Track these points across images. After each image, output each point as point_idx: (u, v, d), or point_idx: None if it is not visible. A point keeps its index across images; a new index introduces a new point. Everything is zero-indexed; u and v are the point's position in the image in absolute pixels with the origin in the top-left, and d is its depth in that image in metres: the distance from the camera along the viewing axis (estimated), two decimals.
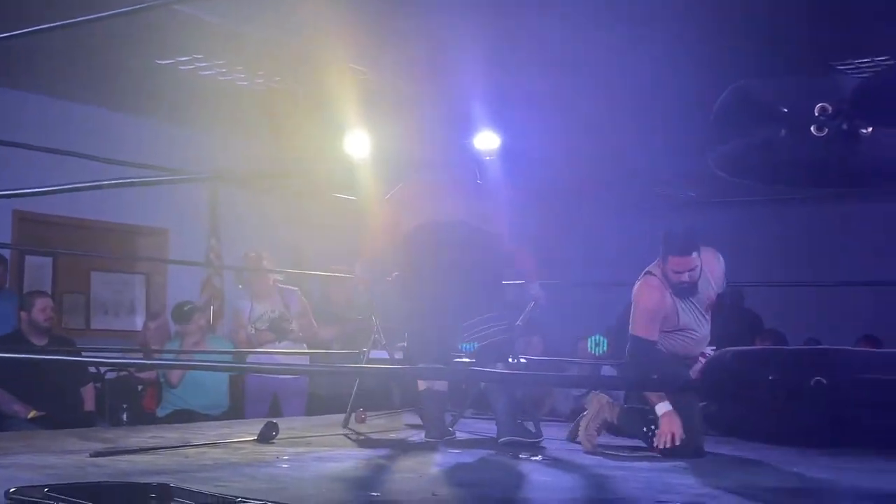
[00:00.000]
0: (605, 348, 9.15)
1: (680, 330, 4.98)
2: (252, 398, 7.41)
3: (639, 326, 5.01)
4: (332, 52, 6.78)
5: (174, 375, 6.95)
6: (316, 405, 7.57)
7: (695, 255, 4.92)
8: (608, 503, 3.41)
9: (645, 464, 4.69)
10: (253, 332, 7.25)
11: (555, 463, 4.53)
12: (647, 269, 5.10)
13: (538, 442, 5.07)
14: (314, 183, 8.75)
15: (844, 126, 1.84)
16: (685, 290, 5.00)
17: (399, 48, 6.77)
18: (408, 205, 5.35)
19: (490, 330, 5.14)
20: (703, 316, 5.06)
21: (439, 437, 5.30)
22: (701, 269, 4.98)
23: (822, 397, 1.76)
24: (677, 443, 4.65)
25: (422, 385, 5.42)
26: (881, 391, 1.77)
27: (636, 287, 5.09)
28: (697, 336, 4.98)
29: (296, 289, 7.64)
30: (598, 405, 5.12)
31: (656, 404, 4.75)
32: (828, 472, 4.37)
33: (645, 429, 4.94)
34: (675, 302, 4.99)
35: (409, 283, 5.39)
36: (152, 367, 7.07)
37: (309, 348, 7.43)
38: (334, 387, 7.34)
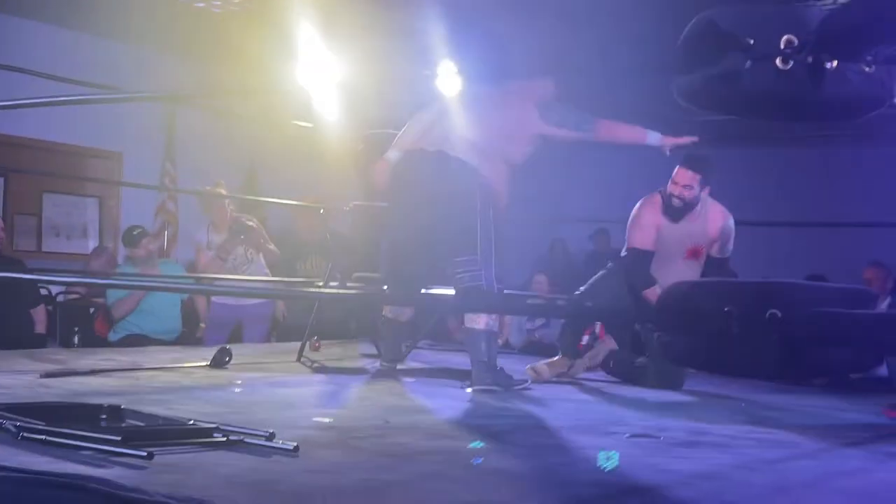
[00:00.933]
0: None
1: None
2: (215, 325, 7.36)
3: (636, 239, 5.24)
4: None
5: (119, 310, 6.84)
6: (280, 333, 7.60)
7: (694, 174, 5.12)
8: (556, 431, 3.44)
9: (596, 396, 4.76)
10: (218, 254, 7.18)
11: (505, 394, 4.56)
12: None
13: (523, 388, 4.76)
14: (272, 109, 8.64)
15: (810, 59, 1.84)
16: (673, 209, 5.16)
17: None
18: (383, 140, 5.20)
19: (463, 275, 4.73)
20: (683, 255, 5.15)
21: (393, 362, 5.37)
22: (701, 209, 5.21)
23: (776, 329, 1.77)
24: None
25: (387, 313, 5.37)
26: (834, 325, 1.79)
27: (638, 203, 5.32)
28: (670, 269, 5.07)
29: (252, 219, 7.57)
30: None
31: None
32: (777, 404, 4.47)
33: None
34: (663, 223, 5.18)
35: (387, 213, 5.24)
36: (105, 286, 6.98)
37: (269, 268, 7.38)
38: (297, 315, 7.32)
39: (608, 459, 2.61)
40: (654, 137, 4.96)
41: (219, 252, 7.13)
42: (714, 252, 5.33)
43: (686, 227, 5.22)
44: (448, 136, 4.82)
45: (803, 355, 1.90)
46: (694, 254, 5.26)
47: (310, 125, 6.81)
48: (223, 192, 7.50)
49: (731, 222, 5.31)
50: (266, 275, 7.29)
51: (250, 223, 7.28)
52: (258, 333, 7.47)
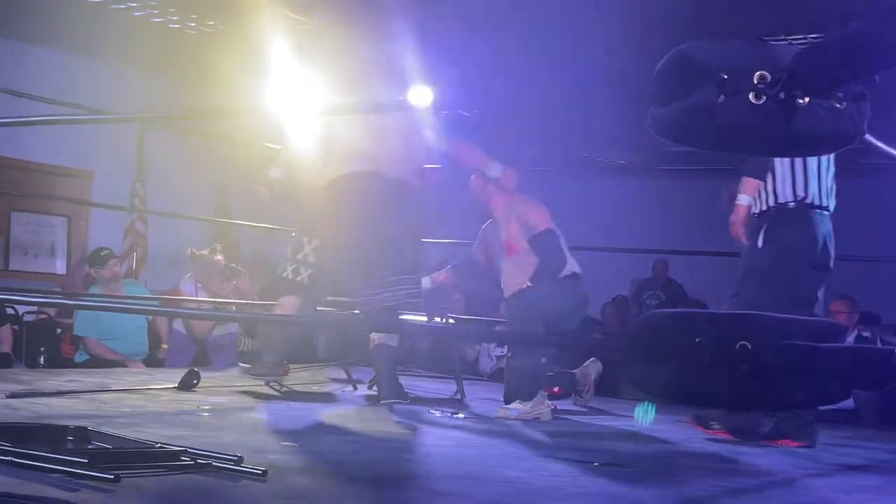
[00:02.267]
0: None
1: None
2: (176, 350, 7.32)
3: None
4: None
5: (91, 343, 6.81)
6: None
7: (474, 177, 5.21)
8: (528, 458, 3.44)
9: (566, 423, 4.76)
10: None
11: (475, 419, 4.56)
12: None
13: (407, 402, 4.95)
14: (243, 130, 8.63)
15: (782, 95, 1.86)
16: None
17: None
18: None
19: (379, 296, 4.72)
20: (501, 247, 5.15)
21: (397, 398, 4.99)
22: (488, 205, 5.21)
23: (745, 361, 1.79)
24: None
25: (378, 339, 5.07)
26: (803, 358, 1.81)
27: None
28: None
29: (245, 272, 7.58)
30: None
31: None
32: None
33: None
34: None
35: (329, 235, 5.22)
36: (73, 307, 6.94)
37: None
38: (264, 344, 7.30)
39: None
40: (495, 168, 5.06)
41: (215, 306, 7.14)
42: None
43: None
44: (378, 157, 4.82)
45: (772, 387, 1.92)
46: (503, 247, 5.13)
47: (278, 147, 6.80)
48: (219, 257, 7.40)
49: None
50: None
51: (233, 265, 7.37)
52: (223, 362, 7.36)
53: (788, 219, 4.36)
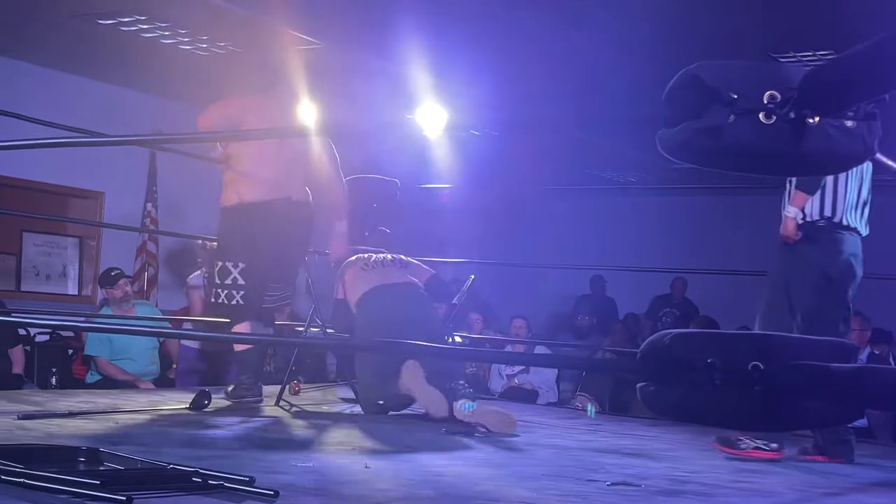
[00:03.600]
0: None
1: None
2: (186, 368, 7.31)
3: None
4: (278, 19, 6.71)
5: (102, 363, 6.79)
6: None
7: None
8: (539, 478, 3.43)
9: (576, 442, 4.75)
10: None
11: (484, 438, 4.55)
12: None
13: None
14: None
15: (792, 114, 1.86)
16: None
17: (346, 18, 6.73)
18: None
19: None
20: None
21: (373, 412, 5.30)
22: None
23: (758, 381, 1.78)
24: None
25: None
26: (815, 378, 1.80)
27: None
28: None
29: None
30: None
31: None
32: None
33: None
34: None
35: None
36: (83, 329, 6.96)
37: None
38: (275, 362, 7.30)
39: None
40: (341, 227, 5.60)
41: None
42: None
43: None
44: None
45: (785, 408, 1.91)
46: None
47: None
48: None
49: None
50: None
51: None
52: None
53: (816, 236, 4.41)
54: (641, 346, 1.96)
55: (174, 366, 7.45)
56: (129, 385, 6.66)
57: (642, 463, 4.04)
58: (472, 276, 5.82)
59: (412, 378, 4.98)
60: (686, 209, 11.64)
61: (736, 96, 1.87)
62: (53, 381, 7.38)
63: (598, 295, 11.75)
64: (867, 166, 4.49)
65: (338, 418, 5.29)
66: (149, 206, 9.23)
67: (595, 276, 11.49)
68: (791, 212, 4.48)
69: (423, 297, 5.51)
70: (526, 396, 8.06)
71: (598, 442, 4.85)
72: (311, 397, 6.18)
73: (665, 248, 10.71)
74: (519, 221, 12.14)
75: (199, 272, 7.40)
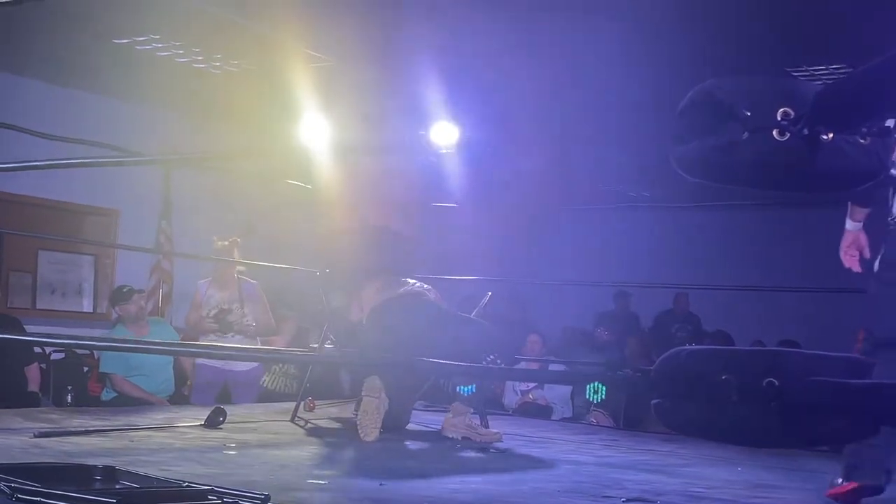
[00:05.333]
0: None
1: None
2: (201, 386, 7.29)
3: None
4: (291, 37, 6.74)
5: (117, 380, 6.80)
6: (267, 400, 7.51)
7: None
8: (555, 495, 3.42)
9: (592, 458, 4.74)
10: (205, 314, 7.11)
11: (500, 454, 4.55)
12: None
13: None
14: (268, 169, 8.68)
15: (806, 131, 1.86)
16: None
17: (358, 35, 6.75)
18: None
19: None
20: None
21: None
22: None
23: (773, 398, 1.78)
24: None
25: None
26: (831, 394, 1.80)
27: None
28: None
29: (255, 282, 7.50)
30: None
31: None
32: (775, 471, 4.45)
33: None
34: None
35: None
36: (97, 348, 6.97)
37: (262, 343, 7.30)
38: (288, 383, 7.32)
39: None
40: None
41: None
42: None
43: None
44: None
45: (800, 424, 1.90)
46: None
47: (307, 186, 6.81)
48: (236, 251, 7.35)
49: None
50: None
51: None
52: (246, 398, 7.26)
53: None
54: (656, 363, 1.96)
55: (189, 383, 7.46)
56: (144, 402, 6.66)
57: (658, 479, 4.02)
58: (490, 293, 5.81)
59: (371, 388, 5.02)
60: (701, 225, 11.63)
61: (749, 113, 1.87)
62: (69, 398, 7.39)
63: (621, 310, 11.74)
64: None
65: (352, 435, 5.29)
66: (164, 223, 9.26)
67: (619, 291, 11.48)
68: (849, 225, 4.28)
69: (433, 306, 5.42)
70: (540, 412, 8.04)
71: (613, 458, 4.83)
72: (326, 413, 6.18)
73: (678, 261, 10.70)
74: (536, 238, 12.15)
75: (206, 280, 7.37)
